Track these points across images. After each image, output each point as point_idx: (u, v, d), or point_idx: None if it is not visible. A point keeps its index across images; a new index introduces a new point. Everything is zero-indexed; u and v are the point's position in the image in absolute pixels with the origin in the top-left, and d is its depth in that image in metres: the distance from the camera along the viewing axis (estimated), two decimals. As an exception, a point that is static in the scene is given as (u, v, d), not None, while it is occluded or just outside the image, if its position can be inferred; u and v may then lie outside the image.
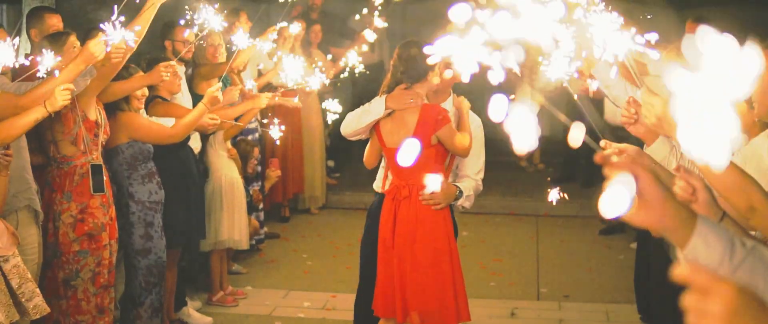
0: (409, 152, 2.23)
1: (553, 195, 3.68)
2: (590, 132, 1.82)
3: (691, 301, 1.10)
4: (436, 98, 4.37)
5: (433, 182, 3.92)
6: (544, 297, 6.11)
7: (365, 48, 7.99)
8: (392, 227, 4.18)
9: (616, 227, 7.37)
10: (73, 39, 4.33)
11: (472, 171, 4.38)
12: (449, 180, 4.31)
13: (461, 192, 4.24)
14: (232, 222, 5.80)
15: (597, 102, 6.57)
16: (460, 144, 4.18)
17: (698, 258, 1.45)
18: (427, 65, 4.10)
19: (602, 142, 2.72)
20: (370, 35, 7.92)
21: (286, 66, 5.54)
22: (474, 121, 4.42)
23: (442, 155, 4.22)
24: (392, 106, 4.19)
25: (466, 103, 4.39)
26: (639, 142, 3.06)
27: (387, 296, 4.20)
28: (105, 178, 4.46)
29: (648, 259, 5.08)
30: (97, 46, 3.98)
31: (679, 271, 1.10)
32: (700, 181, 2.05)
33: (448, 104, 4.39)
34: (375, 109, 4.22)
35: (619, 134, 4.56)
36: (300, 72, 5.57)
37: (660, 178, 1.47)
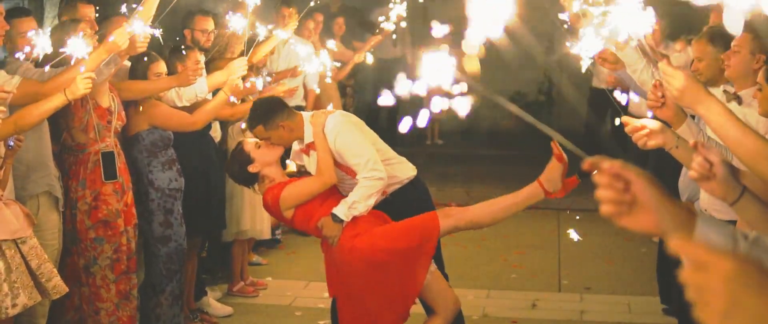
0: None
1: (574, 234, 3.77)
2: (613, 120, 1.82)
3: (689, 276, 1.06)
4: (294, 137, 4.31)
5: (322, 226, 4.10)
6: (565, 289, 6.06)
7: (394, 36, 7.95)
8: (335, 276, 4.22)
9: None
10: (82, 26, 4.34)
11: (359, 171, 4.12)
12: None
13: (336, 216, 4.07)
14: (254, 212, 5.78)
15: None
16: (321, 172, 4.13)
17: None
18: (250, 174, 4.31)
19: (623, 118, 2.71)
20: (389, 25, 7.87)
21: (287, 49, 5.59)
22: (331, 125, 4.17)
23: (323, 195, 4.18)
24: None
25: (319, 120, 4.18)
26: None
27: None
28: (118, 165, 4.46)
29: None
30: (121, 36, 4.01)
31: (674, 245, 1.07)
32: (718, 156, 2.03)
33: (308, 135, 4.23)
34: None
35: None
36: (300, 57, 5.65)
37: (655, 181, 1.46)
